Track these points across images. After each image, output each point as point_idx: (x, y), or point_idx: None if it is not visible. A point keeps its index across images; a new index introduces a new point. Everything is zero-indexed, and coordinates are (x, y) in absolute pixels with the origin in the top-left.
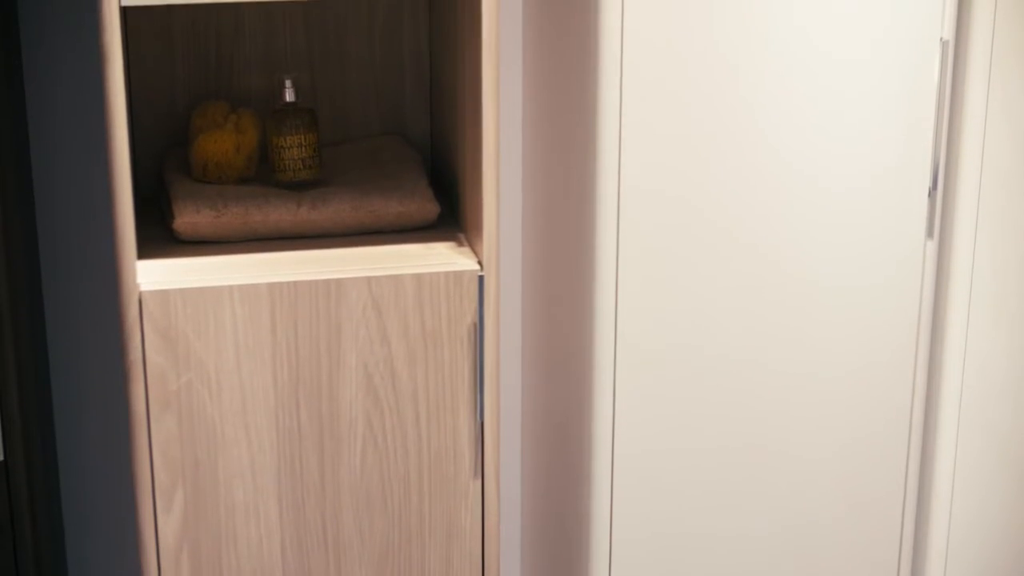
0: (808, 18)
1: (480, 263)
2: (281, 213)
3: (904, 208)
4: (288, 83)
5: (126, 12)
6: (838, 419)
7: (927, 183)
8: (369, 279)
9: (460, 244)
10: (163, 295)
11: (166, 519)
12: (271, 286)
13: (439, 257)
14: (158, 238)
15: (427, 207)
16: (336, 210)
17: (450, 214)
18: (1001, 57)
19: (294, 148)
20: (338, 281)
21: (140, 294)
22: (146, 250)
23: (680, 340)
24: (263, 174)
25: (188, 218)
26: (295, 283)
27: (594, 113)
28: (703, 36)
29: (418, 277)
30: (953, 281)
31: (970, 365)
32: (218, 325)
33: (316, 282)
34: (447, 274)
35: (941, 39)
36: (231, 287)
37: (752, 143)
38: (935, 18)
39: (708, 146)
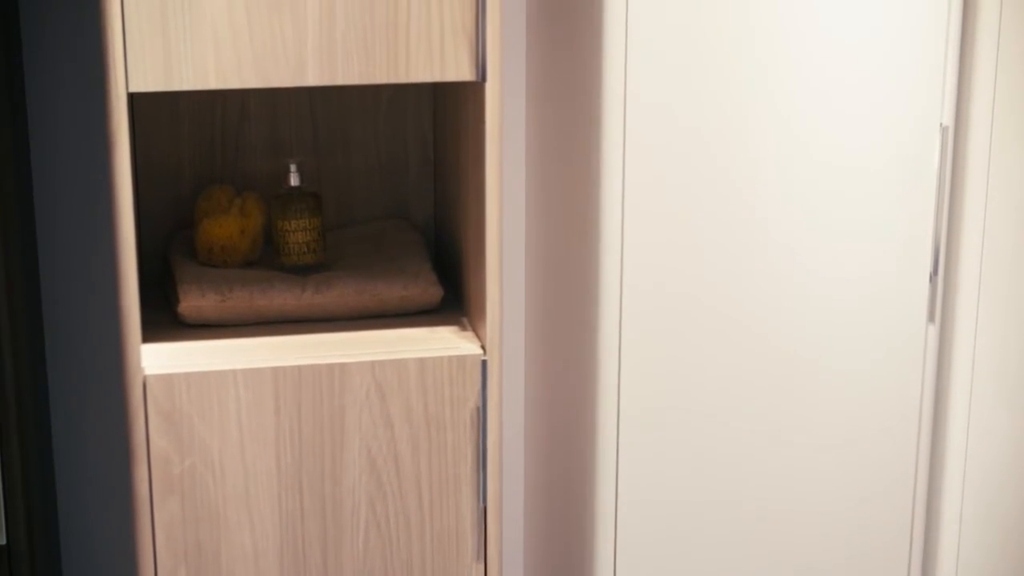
0: (810, 101)
1: (483, 347)
2: (286, 297)
3: (906, 291)
4: (293, 168)
5: (133, 97)
6: (842, 501)
7: (928, 267)
8: (373, 363)
9: (463, 328)
10: (167, 379)
11: None
12: (275, 370)
13: (442, 341)
14: (163, 322)
15: (430, 291)
16: (340, 294)
17: (453, 295)
18: (1001, 142)
19: (298, 232)
20: (342, 365)
21: (144, 378)
22: (151, 333)
23: (683, 420)
24: (268, 257)
25: (193, 302)
26: (299, 367)
27: (597, 197)
28: (706, 124)
29: (421, 361)
30: (955, 365)
31: (973, 449)
32: (222, 409)
33: (320, 366)
34: (450, 358)
35: (941, 124)
36: (235, 371)
37: (754, 227)
38: (935, 104)
39: (710, 229)
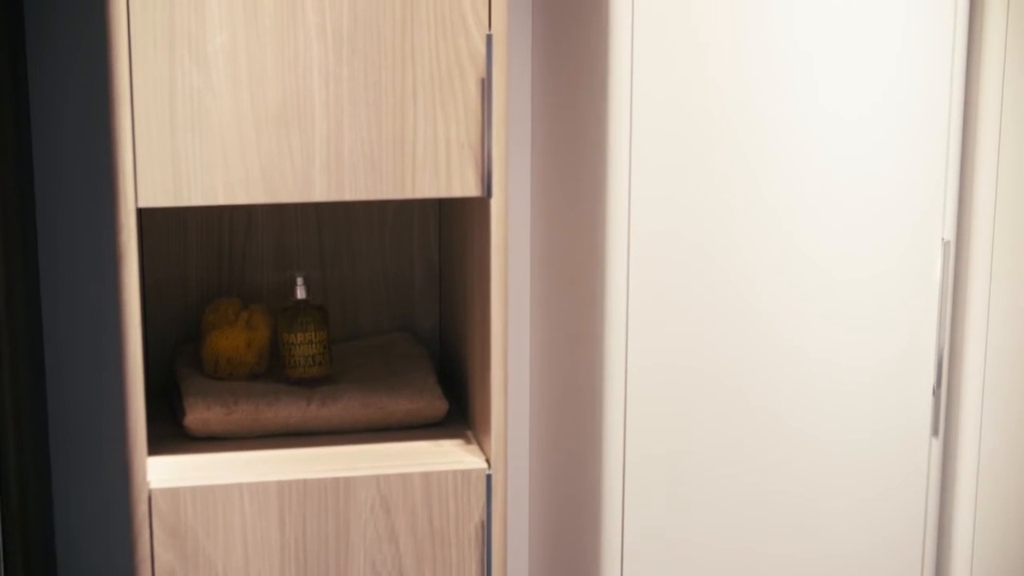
0: (816, 219)
1: (488, 461)
2: (291, 410)
3: (909, 405)
4: (300, 281)
5: (141, 209)
6: None
7: (931, 380)
8: (378, 477)
9: (468, 441)
10: (173, 493)
11: None
12: (280, 484)
13: (447, 455)
14: (168, 434)
15: (435, 404)
16: (346, 407)
17: (458, 407)
18: (1001, 256)
19: (304, 345)
20: (347, 479)
21: (150, 492)
22: (156, 446)
23: (688, 533)
24: (274, 368)
25: (199, 414)
26: (304, 481)
27: (602, 310)
28: (710, 241)
29: (426, 475)
30: (959, 479)
31: (978, 565)
32: (227, 522)
33: (325, 480)
34: (455, 472)
35: (943, 239)
36: (240, 485)
37: (759, 333)
38: (936, 219)
39: (714, 328)
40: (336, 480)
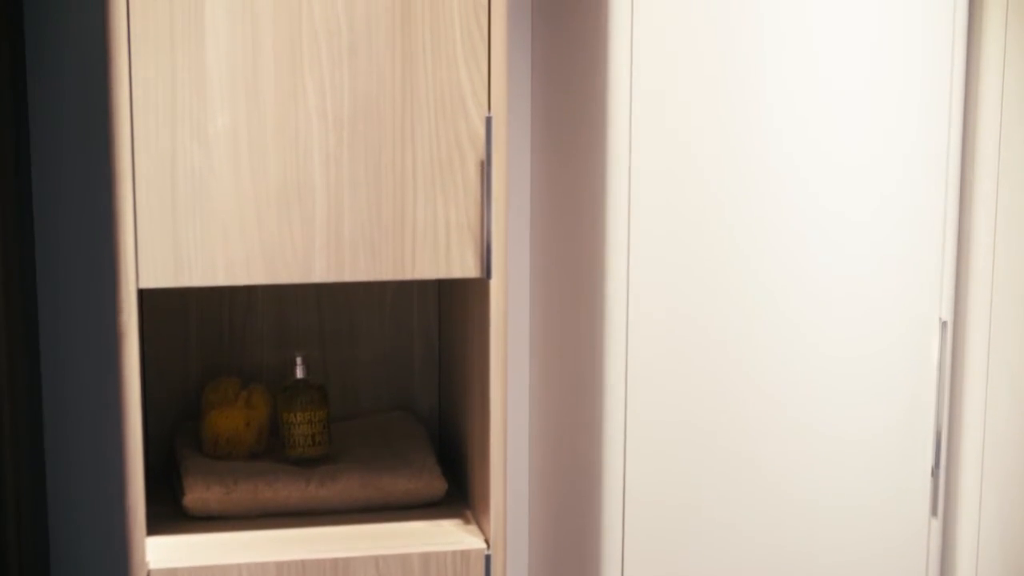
0: (815, 300)
1: (487, 541)
2: (290, 490)
3: (907, 485)
4: (299, 360)
5: (143, 291)
6: None
7: (930, 461)
8: (376, 558)
9: (467, 521)
10: (172, 574)
11: None
12: (279, 565)
13: (446, 535)
14: (168, 513)
15: (435, 484)
16: (345, 487)
17: (457, 486)
18: (999, 337)
19: (304, 424)
20: (346, 560)
21: (149, 572)
22: (156, 525)
23: None
24: (274, 447)
25: (198, 494)
26: (303, 562)
27: (601, 389)
28: (710, 308)
29: (425, 556)
30: (959, 560)
31: None
32: None
33: (324, 561)
34: (454, 553)
35: (940, 319)
36: (239, 565)
37: (762, 411)
38: (934, 300)
39: (715, 399)
40: (335, 561)
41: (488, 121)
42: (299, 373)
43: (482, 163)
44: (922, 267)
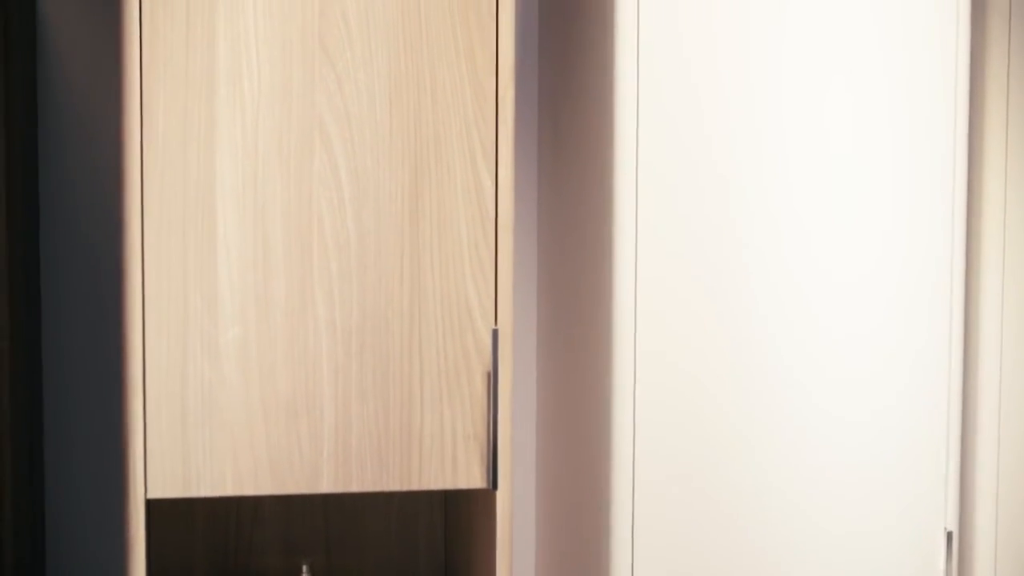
0: (816, 520)
1: None
2: None
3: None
4: (305, 568)
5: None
6: None
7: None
8: None
9: None
10: None
11: None
12: None
13: None
14: None
15: None
16: None
17: None
18: (1004, 548)
19: None
20: None
21: None
22: None
23: None
24: None
25: None
26: None
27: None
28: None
29: None
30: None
31: None
32: None
33: None
34: None
35: (945, 529)
36: None
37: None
38: (939, 511)
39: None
40: None
41: (495, 334)
42: None
43: (488, 375)
44: (926, 476)
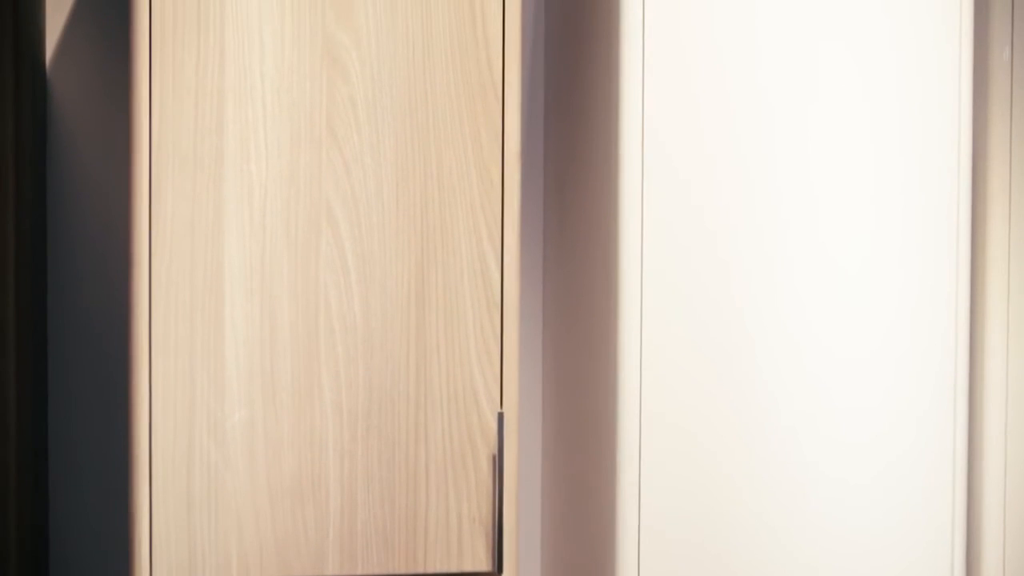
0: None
1: None
2: None
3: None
4: None
5: None
6: None
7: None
8: None
9: None
10: None
11: None
12: None
13: None
14: None
15: None
16: None
17: None
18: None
19: None
20: None
21: None
22: None
23: None
24: None
25: None
26: None
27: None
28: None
29: None
30: None
31: None
32: None
33: None
34: None
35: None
36: None
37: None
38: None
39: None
40: None
41: (500, 416)
42: None
43: (494, 457)
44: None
